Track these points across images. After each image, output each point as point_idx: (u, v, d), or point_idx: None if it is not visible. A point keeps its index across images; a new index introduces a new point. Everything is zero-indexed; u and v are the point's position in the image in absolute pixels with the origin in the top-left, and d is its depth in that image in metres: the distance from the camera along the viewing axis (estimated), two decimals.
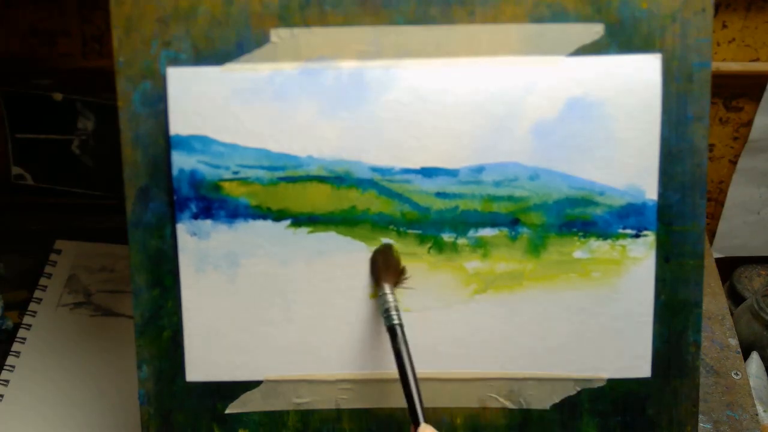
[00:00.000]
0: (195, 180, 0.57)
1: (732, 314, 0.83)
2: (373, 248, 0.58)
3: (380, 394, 0.59)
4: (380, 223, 0.57)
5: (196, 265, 0.58)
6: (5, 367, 0.74)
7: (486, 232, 0.58)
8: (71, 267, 0.84)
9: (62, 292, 0.81)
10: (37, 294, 0.81)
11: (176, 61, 0.57)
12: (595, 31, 0.57)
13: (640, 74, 0.56)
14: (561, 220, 0.57)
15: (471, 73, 0.57)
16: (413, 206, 0.57)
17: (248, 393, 0.59)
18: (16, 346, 0.76)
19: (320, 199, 0.57)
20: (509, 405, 0.60)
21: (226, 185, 0.57)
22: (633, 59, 0.57)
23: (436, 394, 0.59)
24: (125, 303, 0.80)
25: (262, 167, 0.57)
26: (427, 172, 0.57)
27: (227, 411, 0.60)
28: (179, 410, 0.59)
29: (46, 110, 0.87)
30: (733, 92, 0.91)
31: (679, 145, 0.57)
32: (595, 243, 0.58)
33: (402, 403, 0.59)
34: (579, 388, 0.59)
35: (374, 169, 0.57)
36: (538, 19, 0.57)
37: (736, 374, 0.75)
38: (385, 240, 0.57)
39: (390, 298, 0.56)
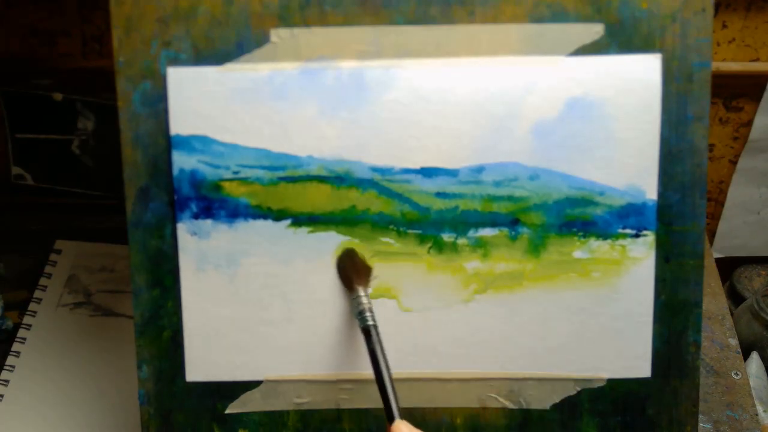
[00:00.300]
0: (195, 180, 0.57)
1: (732, 314, 0.83)
2: (374, 250, 0.58)
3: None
4: (380, 223, 0.57)
5: (196, 265, 0.58)
6: (5, 367, 0.74)
7: (486, 232, 0.58)
8: (71, 267, 0.84)
9: (62, 292, 0.81)
10: (37, 294, 0.81)
11: (176, 61, 0.57)
12: (595, 31, 0.57)
13: (640, 74, 0.56)
14: (561, 220, 0.57)
15: (471, 73, 0.57)
16: (413, 206, 0.57)
17: (248, 393, 0.59)
18: (16, 346, 0.76)
19: (320, 198, 0.57)
20: (509, 405, 0.60)
21: (226, 185, 0.57)
22: (633, 59, 0.57)
23: (436, 394, 0.59)
24: (125, 303, 0.80)
25: (263, 167, 0.57)
26: (427, 172, 0.57)
27: (227, 411, 0.60)
28: (179, 410, 0.59)
29: (46, 110, 0.87)
30: (733, 92, 0.91)
31: (679, 145, 0.57)
32: (595, 243, 0.58)
33: (402, 402, 0.59)
34: (579, 388, 0.59)
35: (374, 169, 0.57)
36: (538, 19, 0.57)
37: (736, 374, 0.75)
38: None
39: (364, 300, 0.56)
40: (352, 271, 0.57)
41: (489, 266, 0.58)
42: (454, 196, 0.57)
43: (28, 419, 0.71)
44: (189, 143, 0.56)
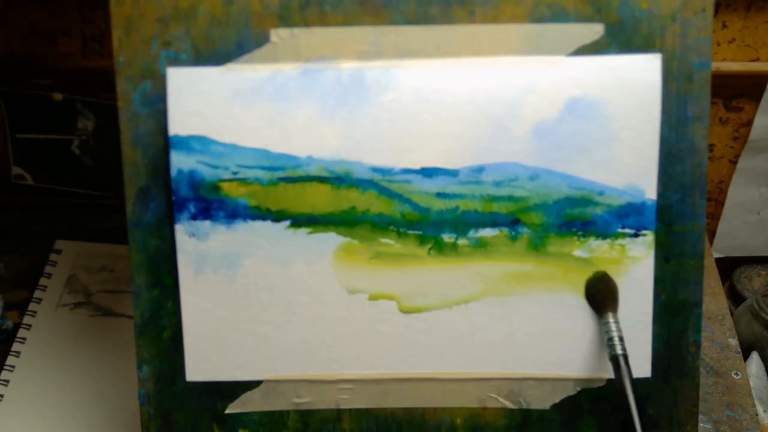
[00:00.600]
0: (194, 180, 0.57)
1: (732, 314, 0.83)
2: (374, 251, 0.58)
3: (380, 394, 0.59)
4: (380, 224, 0.57)
5: (194, 267, 0.58)
6: (5, 367, 0.74)
7: (486, 233, 0.58)
8: (71, 267, 0.84)
9: (62, 292, 0.81)
10: (37, 294, 0.81)
11: (176, 61, 0.57)
12: (595, 31, 0.57)
13: (640, 74, 0.56)
14: (561, 220, 0.57)
15: (471, 73, 0.57)
16: (413, 207, 0.57)
17: (248, 393, 0.59)
18: (16, 346, 0.76)
19: (320, 199, 0.57)
20: (509, 405, 0.60)
21: (225, 186, 0.57)
22: (633, 59, 0.57)
23: (436, 394, 0.59)
24: (125, 303, 0.80)
25: (262, 167, 0.57)
26: (427, 173, 0.57)
27: (227, 411, 0.60)
28: (179, 410, 0.59)
29: (46, 110, 0.87)
30: (733, 92, 0.91)
31: (679, 145, 0.57)
32: (594, 242, 0.58)
33: (401, 403, 0.59)
34: (579, 388, 0.59)
35: (374, 170, 0.57)
36: (538, 19, 0.57)
37: (736, 374, 0.75)
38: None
39: (613, 327, 0.56)
40: (605, 295, 0.57)
41: (489, 266, 0.58)
42: (454, 196, 0.57)
43: (28, 419, 0.71)
44: (188, 143, 0.56)
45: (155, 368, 0.59)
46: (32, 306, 0.80)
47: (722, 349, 0.77)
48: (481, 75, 0.57)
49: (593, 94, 0.56)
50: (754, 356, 0.83)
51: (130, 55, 0.57)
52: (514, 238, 0.58)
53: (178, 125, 0.56)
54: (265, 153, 0.57)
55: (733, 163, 0.95)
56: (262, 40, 0.57)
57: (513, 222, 0.57)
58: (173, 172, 0.56)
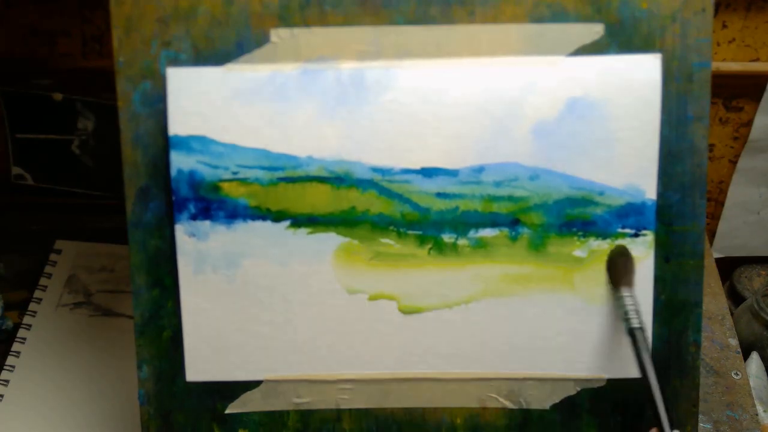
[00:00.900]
0: (194, 180, 0.57)
1: (732, 314, 0.83)
2: (374, 251, 0.58)
3: (380, 394, 0.59)
4: (380, 224, 0.57)
5: (194, 267, 0.58)
6: (5, 367, 0.74)
7: (486, 233, 0.58)
8: (71, 267, 0.84)
9: (62, 292, 0.81)
10: (37, 294, 0.81)
11: (176, 61, 0.57)
12: (595, 31, 0.57)
13: (640, 74, 0.56)
14: (561, 220, 0.57)
15: (471, 73, 0.57)
16: (413, 207, 0.57)
17: (248, 393, 0.59)
18: (16, 346, 0.76)
19: (320, 199, 0.57)
20: (509, 405, 0.60)
21: (225, 186, 0.57)
22: (633, 59, 0.57)
23: (436, 394, 0.59)
24: (125, 303, 0.80)
25: (262, 167, 0.57)
26: (427, 173, 0.57)
27: (227, 411, 0.60)
28: (179, 410, 0.59)
29: (46, 110, 0.87)
30: (733, 92, 0.91)
31: (679, 145, 0.57)
32: (594, 242, 0.58)
33: (401, 403, 0.59)
34: (579, 388, 0.59)
35: (374, 170, 0.57)
36: (538, 19, 0.57)
37: (736, 374, 0.75)
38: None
39: (629, 300, 0.56)
40: (622, 269, 0.57)
41: (489, 266, 0.58)
42: (454, 196, 0.57)
43: (28, 419, 0.71)
44: (187, 144, 0.56)
45: (155, 368, 0.59)
46: (32, 306, 0.80)
47: (722, 349, 0.77)
48: (481, 75, 0.57)
49: (593, 94, 0.56)
50: (754, 356, 0.83)
51: (130, 55, 0.57)
52: (514, 239, 0.58)
53: (178, 125, 0.56)
54: (265, 153, 0.57)
55: (733, 163, 0.95)
56: (262, 40, 0.57)
57: (513, 222, 0.57)
58: (173, 172, 0.56)
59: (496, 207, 0.57)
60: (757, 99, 0.90)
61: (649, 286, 0.58)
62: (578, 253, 0.58)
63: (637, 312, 0.55)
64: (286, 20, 0.57)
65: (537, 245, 0.58)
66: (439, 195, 0.57)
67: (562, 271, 0.58)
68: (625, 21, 0.57)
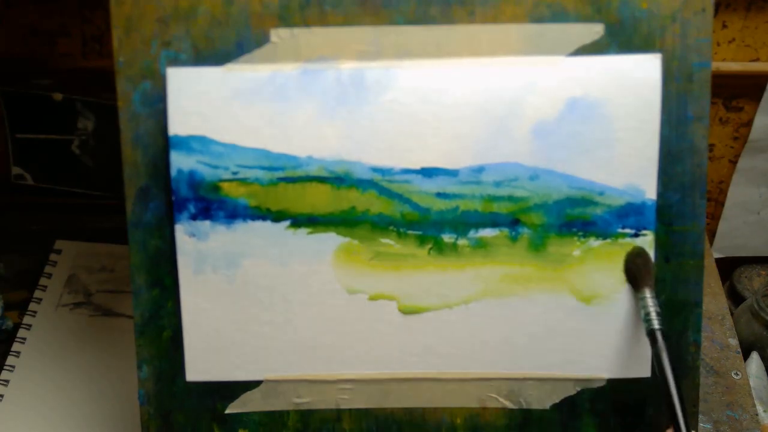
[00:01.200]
0: (194, 180, 0.57)
1: (732, 314, 0.83)
2: (374, 251, 0.58)
3: (380, 394, 0.59)
4: (380, 224, 0.57)
5: (194, 267, 0.58)
6: (5, 367, 0.74)
7: (486, 233, 0.58)
8: (71, 267, 0.84)
9: (62, 292, 0.81)
10: (37, 294, 0.81)
11: (176, 61, 0.57)
12: (595, 31, 0.57)
13: (640, 74, 0.56)
14: (561, 220, 0.57)
15: (471, 73, 0.57)
16: (413, 207, 0.57)
17: (248, 393, 0.59)
18: (16, 346, 0.76)
19: (320, 199, 0.57)
20: (509, 405, 0.60)
21: (225, 186, 0.57)
22: (633, 59, 0.57)
23: (436, 394, 0.59)
24: (125, 303, 0.80)
25: (262, 167, 0.57)
26: (427, 173, 0.57)
27: (227, 411, 0.60)
28: (179, 410, 0.59)
29: (46, 110, 0.87)
30: (733, 92, 0.91)
31: (679, 145, 0.57)
32: (594, 242, 0.58)
33: (401, 403, 0.59)
34: (579, 388, 0.59)
35: (374, 170, 0.57)
36: (538, 19, 0.57)
37: (736, 374, 0.75)
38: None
39: (651, 302, 0.55)
40: (642, 270, 0.57)
41: (489, 267, 0.58)
42: (454, 196, 0.57)
43: (28, 419, 0.71)
44: (187, 143, 0.56)
45: (155, 368, 0.59)
46: (32, 306, 0.80)
47: (722, 349, 0.77)
48: (481, 75, 0.57)
49: (593, 94, 0.56)
50: (754, 356, 0.83)
51: (130, 55, 0.57)
52: (514, 239, 0.58)
53: (178, 125, 0.56)
54: (265, 153, 0.57)
55: (733, 163, 0.95)
56: (262, 40, 0.57)
57: (513, 222, 0.57)
58: (173, 172, 0.56)
59: (496, 207, 0.57)
60: (757, 99, 0.90)
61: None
62: (578, 253, 0.58)
63: (658, 314, 0.55)
64: (286, 20, 0.57)
65: (537, 245, 0.58)
66: (439, 195, 0.57)
67: (562, 272, 0.58)
68: (625, 21, 0.57)
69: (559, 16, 0.57)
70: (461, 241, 0.58)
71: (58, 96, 0.86)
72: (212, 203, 0.57)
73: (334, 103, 0.56)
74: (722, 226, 0.99)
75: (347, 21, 0.57)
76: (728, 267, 1.00)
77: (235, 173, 0.57)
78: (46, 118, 0.88)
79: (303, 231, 0.57)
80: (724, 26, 0.86)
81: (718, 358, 0.76)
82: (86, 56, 0.87)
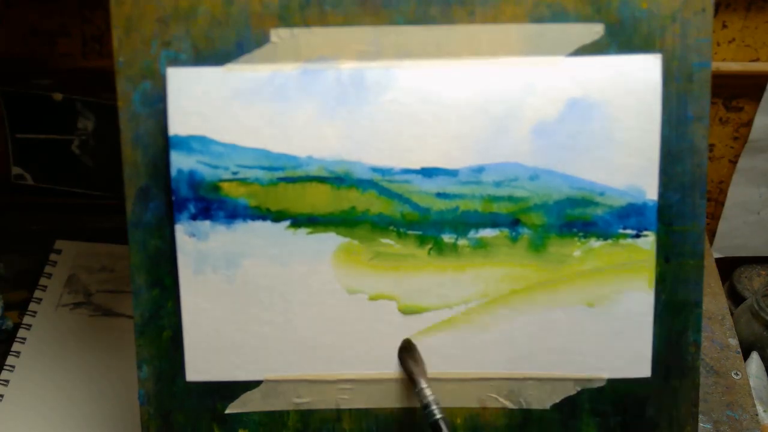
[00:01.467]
0: (194, 180, 0.57)
1: (732, 314, 0.83)
2: (373, 251, 0.58)
3: (380, 394, 0.59)
4: (380, 224, 0.57)
5: (194, 267, 0.58)
6: (5, 367, 0.74)
7: (486, 233, 0.58)
8: (71, 267, 0.84)
9: (62, 292, 0.81)
10: (37, 294, 0.81)
11: (176, 61, 0.57)
12: (595, 31, 0.57)
13: (640, 74, 0.56)
14: (561, 221, 0.57)
15: (471, 73, 0.57)
16: (413, 207, 0.57)
17: (248, 393, 0.59)
18: (16, 346, 0.76)
19: (320, 199, 0.57)
20: (509, 405, 0.60)
21: (225, 186, 0.57)
22: (633, 59, 0.57)
23: (436, 394, 0.59)
24: (125, 303, 0.80)
25: (262, 167, 0.57)
26: (427, 173, 0.57)
27: (227, 411, 0.60)
28: (179, 410, 0.59)
29: (46, 110, 0.87)
30: (733, 92, 0.91)
31: (679, 145, 0.57)
32: (595, 243, 0.58)
33: (401, 403, 0.59)
34: (579, 388, 0.59)
35: (374, 170, 0.57)
36: (538, 19, 0.57)
37: (736, 374, 0.75)
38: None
39: (428, 392, 0.56)
40: (413, 363, 0.57)
41: (489, 267, 0.58)
42: (454, 196, 0.57)
43: (28, 419, 0.71)
44: (188, 143, 0.56)
45: (155, 368, 0.59)
46: (32, 306, 0.80)
47: (722, 349, 0.77)
48: (481, 75, 0.57)
49: (593, 94, 0.56)
50: (754, 356, 0.83)
51: (130, 55, 0.57)
52: (514, 239, 0.58)
53: (178, 125, 0.56)
54: (265, 153, 0.57)
55: (733, 163, 0.95)
56: (262, 40, 0.57)
57: (513, 222, 0.57)
58: (173, 172, 0.56)
59: (496, 207, 0.57)
60: (757, 99, 0.90)
61: (650, 286, 0.58)
62: (579, 253, 0.58)
63: (437, 402, 0.55)
64: (286, 20, 0.57)
65: (537, 246, 0.58)
66: (439, 195, 0.57)
67: (562, 272, 0.58)
68: (625, 21, 0.57)
69: (559, 16, 0.57)
70: (461, 242, 0.58)
71: (58, 96, 0.86)
72: (212, 203, 0.57)
73: (334, 103, 0.56)
74: (722, 226, 0.99)
75: (347, 21, 0.57)
76: (728, 267, 1.00)
77: (235, 173, 0.57)
78: (46, 118, 0.88)
79: (303, 231, 0.57)
80: (724, 26, 0.86)
81: (718, 358, 0.76)
82: (86, 56, 0.87)
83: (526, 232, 0.58)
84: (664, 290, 0.59)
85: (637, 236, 0.58)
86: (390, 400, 0.60)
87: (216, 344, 0.58)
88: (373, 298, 0.58)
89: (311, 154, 0.57)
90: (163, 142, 0.57)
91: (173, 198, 0.57)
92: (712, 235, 0.99)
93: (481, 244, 0.58)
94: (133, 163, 0.57)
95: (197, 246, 0.57)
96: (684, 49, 0.57)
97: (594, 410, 0.60)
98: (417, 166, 0.57)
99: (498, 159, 0.57)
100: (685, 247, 0.58)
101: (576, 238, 0.58)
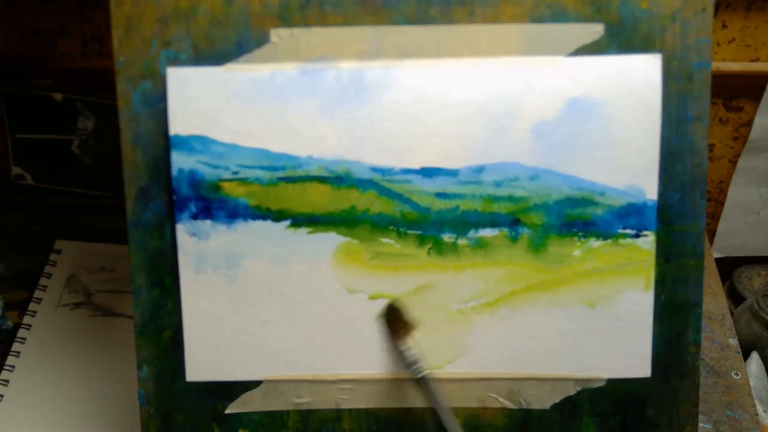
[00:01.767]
0: (194, 180, 0.57)
1: (732, 314, 0.83)
2: (373, 250, 0.58)
3: (380, 394, 0.59)
4: (380, 224, 0.57)
5: (195, 266, 0.58)
6: (5, 367, 0.74)
7: (486, 233, 0.58)
8: (71, 267, 0.84)
9: (62, 292, 0.81)
10: (37, 294, 0.81)
11: (176, 61, 0.57)
12: (595, 31, 0.57)
13: (640, 74, 0.56)
14: (561, 221, 0.57)
15: (471, 73, 0.57)
16: (413, 206, 0.57)
17: (248, 393, 0.59)
18: (16, 346, 0.76)
19: (320, 199, 0.57)
20: (509, 405, 0.60)
21: (225, 185, 0.57)
22: (633, 59, 0.57)
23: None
24: (125, 303, 0.80)
25: (262, 167, 0.57)
26: (427, 172, 0.57)
27: (227, 411, 0.60)
28: (179, 410, 0.59)
29: (46, 110, 0.87)
30: (733, 92, 0.91)
31: (679, 145, 0.57)
32: (595, 243, 0.58)
33: (401, 402, 0.59)
34: (579, 388, 0.59)
35: (374, 169, 0.57)
36: (538, 19, 0.57)
37: (736, 374, 0.75)
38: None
39: (413, 351, 0.56)
40: (398, 324, 0.58)
41: (489, 267, 0.58)
42: (454, 196, 0.57)
43: (28, 419, 0.71)
44: (188, 143, 0.56)
45: (155, 368, 0.59)
46: (32, 306, 0.80)
47: (722, 349, 0.77)
48: (481, 75, 0.57)
49: (593, 94, 0.56)
50: (754, 356, 0.83)
51: (130, 55, 0.57)
52: (514, 239, 0.58)
53: (178, 125, 0.56)
54: (265, 153, 0.57)
55: (733, 163, 0.95)
56: (262, 40, 0.57)
57: (513, 222, 0.57)
58: (174, 172, 0.56)
59: (496, 207, 0.57)
60: (757, 99, 0.90)
61: (650, 286, 0.58)
62: (578, 253, 0.58)
63: (421, 360, 0.56)
64: (286, 20, 0.57)
65: (537, 245, 0.58)
66: (439, 195, 0.57)
67: (562, 272, 0.58)
68: (625, 21, 0.57)
69: (559, 16, 0.57)
70: (461, 241, 0.58)
71: (58, 96, 0.86)
72: (213, 203, 0.57)
73: (334, 103, 0.56)
74: (722, 226, 0.99)
75: (347, 21, 0.57)
76: (728, 267, 1.00)
77: (235, 173, 0.57)
78: (46, 118, 0.88)
79: (303, 231, 0.57)
80: (724, 26, 0.86)
81: (718, 358, 0.76)
82: (86, 56, 0.87)
83: (526, 232, 0.58)
84: (664, 290, 0.59)
85: (637, 236, 0.58)
86: (390, 400, 0.60)
87: (216, 344, 0.59)
88: (373, 298, 0.58)
89: (311, 153, 0.57)
90: (163, 142, 0.57)
91: (174, 197, 0.57)
92: (712, 235, 0.99)
93: (480, 244, 0.58)
94: (133, 163, 0.57)
95: (198, 246, 0.57)
96: (684, 49, 0.57)
97: (594, 410, 0.60)
98: (417, 166, 0.57)
99: (498, 159, 0.57)
100: (685, 247, 0.58)
101: (576, 238, 0.58)
